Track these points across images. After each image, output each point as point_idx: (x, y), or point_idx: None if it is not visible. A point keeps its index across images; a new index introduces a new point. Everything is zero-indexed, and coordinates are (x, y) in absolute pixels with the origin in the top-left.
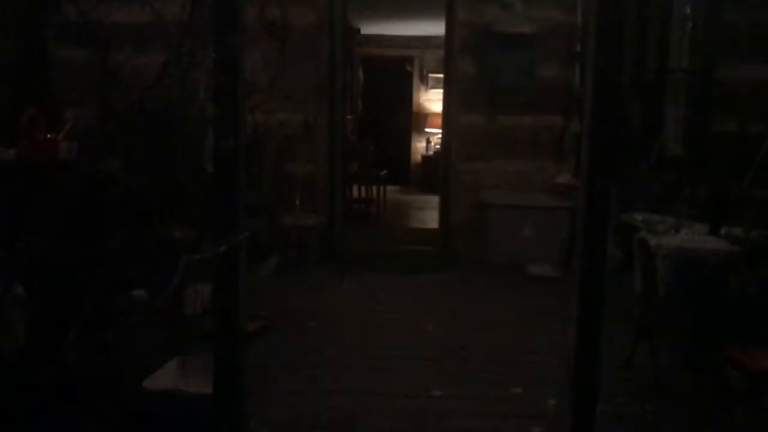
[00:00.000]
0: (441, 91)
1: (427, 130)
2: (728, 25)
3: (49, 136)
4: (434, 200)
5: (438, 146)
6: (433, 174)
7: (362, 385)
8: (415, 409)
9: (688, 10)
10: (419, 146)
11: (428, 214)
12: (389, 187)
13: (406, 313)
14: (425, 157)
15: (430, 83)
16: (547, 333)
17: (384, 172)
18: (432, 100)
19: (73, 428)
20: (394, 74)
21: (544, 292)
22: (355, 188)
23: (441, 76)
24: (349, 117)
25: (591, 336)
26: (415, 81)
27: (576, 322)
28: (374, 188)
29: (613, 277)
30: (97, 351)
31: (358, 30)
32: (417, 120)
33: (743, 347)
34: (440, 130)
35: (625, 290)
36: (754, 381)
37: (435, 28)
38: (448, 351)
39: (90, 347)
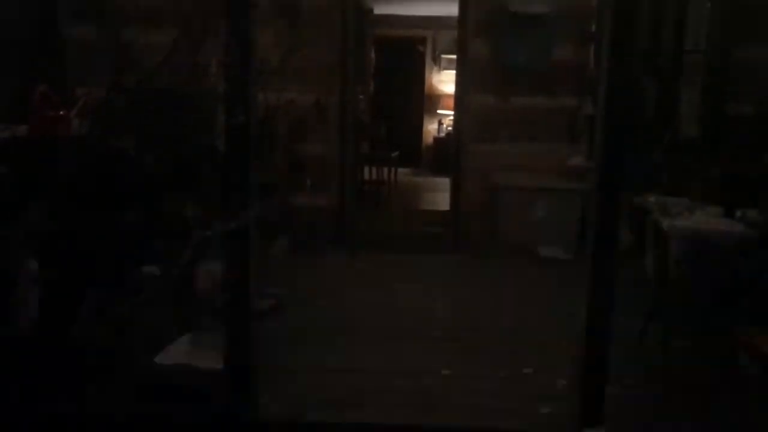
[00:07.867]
0: (453, 72)
1: (439, 111)
2: (747, 5)
3: (61, 113)
4: (446, 182)
5: (450, 128)
6: (445, 156)
7: (372, 363)
8: (424, 388)
9: None
10: (431, 128)
11: (439, 196)
12: (400, 169)
13: (417, 293)
14: (437, 139)
15: (443, 64)
16: (557, 314)
17: (395, 154)
18: (444, 81)
19: (85, 402)
20: (407, 55)
21: (556, 274)
22: (366, 170)
23: (454, 56)
24: (360, 97)
25: (601, 318)
26: (428, 62)
27: (587, 304)
28: (385, 170)
29: (624, 259)
30: (109, 326)
31: (371, 10)
32: (429, 101)
33: (756, 331)
34: (452, 112)
35: (637, 272)
36: (765, 365)
37: (448, 8)
38: (458, 331)
39: (102, 322)
